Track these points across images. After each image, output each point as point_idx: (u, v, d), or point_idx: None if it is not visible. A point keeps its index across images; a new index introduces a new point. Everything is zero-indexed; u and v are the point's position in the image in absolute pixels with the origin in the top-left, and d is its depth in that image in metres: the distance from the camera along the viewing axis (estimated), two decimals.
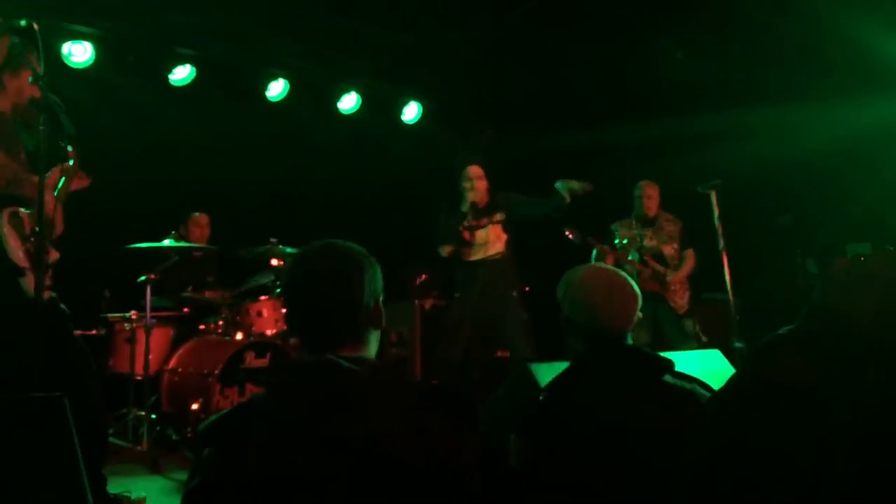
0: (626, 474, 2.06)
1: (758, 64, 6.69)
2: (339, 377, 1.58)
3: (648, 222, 6.37)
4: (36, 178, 3.25)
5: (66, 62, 5.87)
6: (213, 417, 1.61)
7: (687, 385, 2.25)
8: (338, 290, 1.71)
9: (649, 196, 6.34)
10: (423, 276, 7.62)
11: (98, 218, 5.91)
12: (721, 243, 5.33)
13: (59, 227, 3.48)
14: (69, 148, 3.55)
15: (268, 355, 5.28)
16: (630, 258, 6.24)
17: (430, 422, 1.59)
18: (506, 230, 5.70)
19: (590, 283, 2.35)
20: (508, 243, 5.71)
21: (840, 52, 6.31)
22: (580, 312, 2.33)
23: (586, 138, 7.40)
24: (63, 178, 3.54)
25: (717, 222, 5.37)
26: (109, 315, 5.53)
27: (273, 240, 5.68)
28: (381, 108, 7.76)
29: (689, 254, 6.37)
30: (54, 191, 3.48)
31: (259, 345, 5.35)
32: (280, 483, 1.50)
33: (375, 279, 1.76)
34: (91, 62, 5.96)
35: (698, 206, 5.66)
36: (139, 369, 5.19)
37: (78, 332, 5.33)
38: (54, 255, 3.43)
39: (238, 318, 5.69)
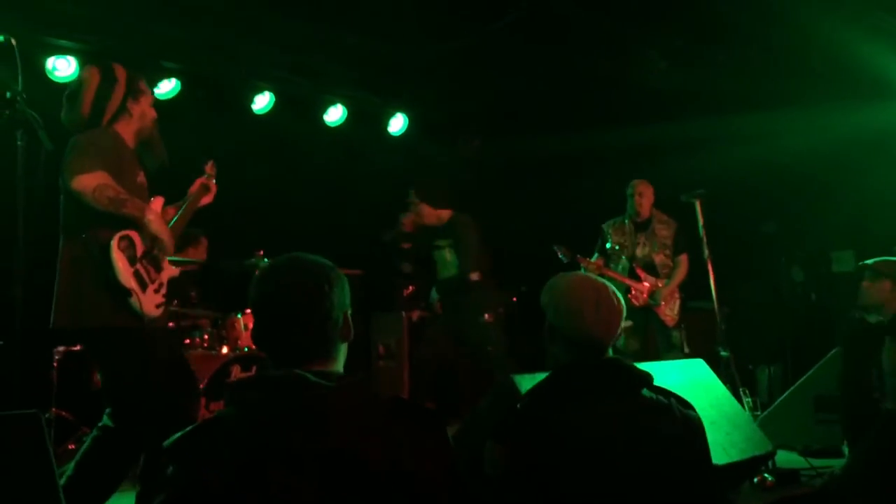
0: (602, 485, 2.06)
1: (742, 72, 6.72)
2: (306, 392, 1.56)
3: (641, 226, 6.25)
4: (153, 202, 3.55)
5: (51, 77, 5.85)
6: (177, 434, 1.59)
7: (664, 400, 2.24)
8: (308, 304, 1.69)
9: (641, 193, 6.18)
10: (411, 288, 7.61)
11: None
12: (706, 252, 5.35)
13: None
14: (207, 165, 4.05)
15: (253, 369, 5.27)
16: (619, 269, 6.19)
17: (397, 436, 1.59)
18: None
19: (577, 291, 2.32)
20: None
21: (824, 60, 6.35)
22: (565, 320, 2.30)
23: (572, 147, 7.43)
24: (184, 205, 3.87)
25: (701, 231, 5.39)
26: None
27: (259, 252, 5.67)
28: (367, 119, 7.75)
29: (682, 260, 6.22)
30: (173, 216, 3.76)
31: (245, 358, 5.34)
32: (245, 499, 1.48)
33: (343, 293, 1.75)
34: (75, 77, 5.92)
35: (683, 215, 5.68)
36: None
37: (62, 348, 5.38)
38: (173, 272, 3.60)
39: (223, 332, 5.68)
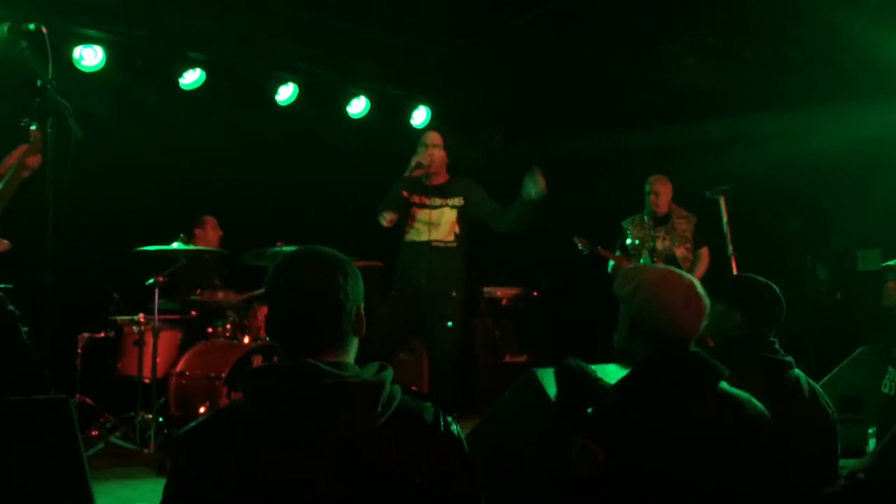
0: (688, 480, 2.06)
1: (768, 69, 6.66)
2: (319, 381, 1.57)
3: (661, 220, 6.20)
4: None
5: (77, 66, 5.87)
6: (191, 424, 1.61)
7: (742, 394, 2.24)
8: (323, 296, 1.69)
9: (657, 193, 6.13)
10: None
11: (107, 220, 5.94)
12: (730, 249, 5.31)
13: None
14: (32, 128, 3.48)
15: (275, 358, 5.29)
16: (641, 262, 6.17)
17: (408, 427, 1.60)
18: (458, 221, 5.07)
19: (667, 287, 2.28)
20: (459, 237, 5.07)
21: (851, 57, 6.29)
22: (653, 315, 2.26)
23: (596, 143, 7.39)
24: (13, 166, 3.49)
25: (725, 228, 5.36)
26: (118, 317, 5.56)
27: (280, 242, 5.68)
28: (390, 112, 7.74)
29: (703, 253, 6.16)
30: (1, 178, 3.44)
31: (266, 348, 5.37)
32: (258, 488, 1.50)
33: (357, 286, 1.75)
34: (102, 66, 5.95)
35: (707, 212, 5.64)
36: (147, 372, 5.21)
37: (86, 334, 5.44)
38: (5, 245, 3.39)
39: (245, 321, 5.72)
